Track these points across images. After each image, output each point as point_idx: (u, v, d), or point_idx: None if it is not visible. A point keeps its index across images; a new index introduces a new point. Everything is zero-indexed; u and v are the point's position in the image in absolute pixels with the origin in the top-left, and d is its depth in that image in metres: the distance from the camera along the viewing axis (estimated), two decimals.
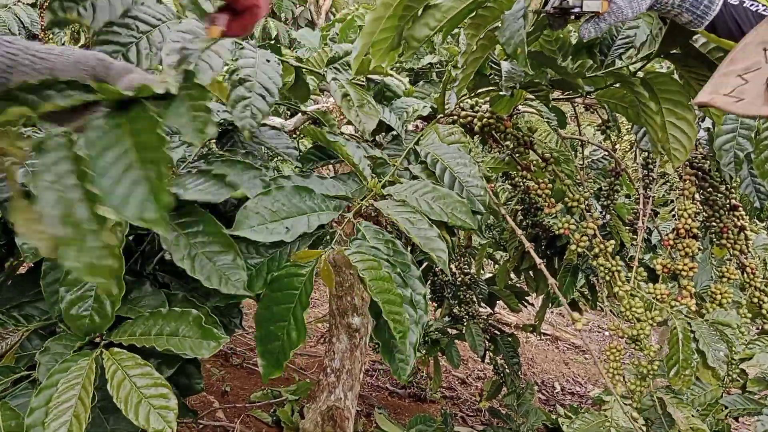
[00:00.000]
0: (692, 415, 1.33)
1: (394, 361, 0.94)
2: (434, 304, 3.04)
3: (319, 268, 0.89)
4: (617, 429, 1.35)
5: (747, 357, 1.61)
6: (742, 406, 1.53)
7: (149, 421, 0.86)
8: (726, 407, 1.52)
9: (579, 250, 1.32)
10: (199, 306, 1.02)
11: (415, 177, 1.18)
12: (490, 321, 2.95)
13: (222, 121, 1.35)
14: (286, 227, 0.93)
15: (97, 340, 1.01)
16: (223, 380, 3.23)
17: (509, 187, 2.25)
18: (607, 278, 1.28)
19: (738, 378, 1.57)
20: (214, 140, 1.39)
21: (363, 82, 1.45)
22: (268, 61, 1.12)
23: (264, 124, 1.41)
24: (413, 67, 2.20)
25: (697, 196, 1.56)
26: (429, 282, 2.95)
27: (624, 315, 1.26)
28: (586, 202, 1.44)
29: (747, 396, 1.56)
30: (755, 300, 1.46)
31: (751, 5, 0.85)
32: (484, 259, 3.15)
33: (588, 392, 4.77)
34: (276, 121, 1.71)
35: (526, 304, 3.04)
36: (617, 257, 1.38)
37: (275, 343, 0.92)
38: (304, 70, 1.44)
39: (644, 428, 1.20)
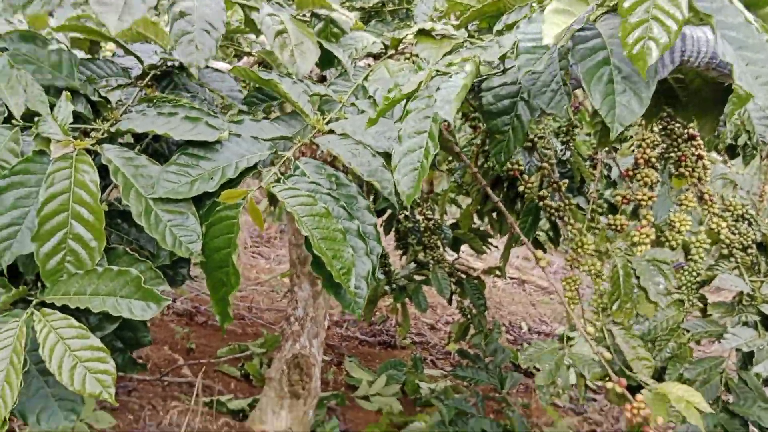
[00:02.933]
0: (638, 346, 1.35)
1: (341, 296, 0.90)
2: (399, 251, 3.02)
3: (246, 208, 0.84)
4: (571, 356, 1.36)
5: (708, 279, 1.64)
6: (703, 329, 1.56)
7: (85, 386, 0.81)
8: (687, 331, 1.54)
9: (526, 191, 1.29)
10: (140, 260, 0.96)
11: (363, 112, 1.11)
12: (455, 265, 2.95)
13: (161, 62, 1.26)
14: (211, 177, 0.87)
15: (29, 297, 0.94)
16: (188, 338, 3.19)
17: (469, 129, 2.20)
18: (554, 218, 1.27)
19: (698, 302, 1.60)
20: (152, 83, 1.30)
21: (306, 17, 1.36)
22: None
23: (207, 67, 1.32)
24: (364, 5, 2.10)
25: (655, 127, 1.54)
26: (393, 229, 2.92)
27: (576, 252, 1.25)
28: (545, 140, 1.40)
29: (708, 320, 1.58)
30: (713, 226, 1.46)
31: None
32: (448, 204, 3.14)
33: (554, 330, 4.90)
34: (221, 65, 1.62)
35: (490, 247, 3.04)
36: (569, 195, 1.36)
37: (222, 289, 0.88)
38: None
39: (604, 358, 1.20)
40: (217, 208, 0.86)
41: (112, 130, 0.94)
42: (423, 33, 1.22)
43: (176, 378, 2.67)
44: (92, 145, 0.91)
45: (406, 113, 0.89)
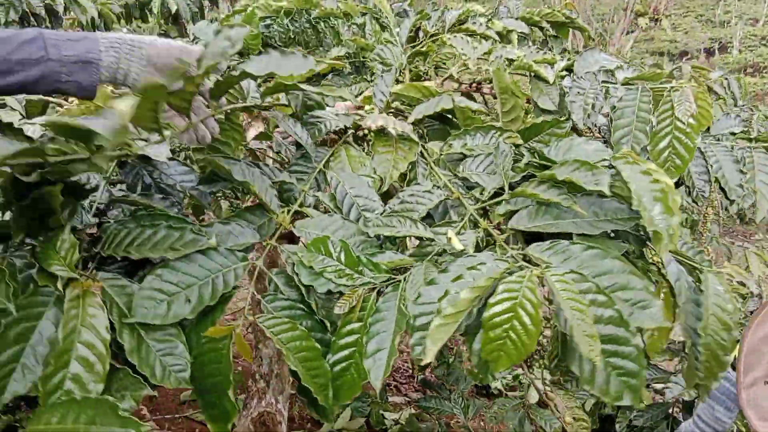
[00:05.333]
0: (575, 407, 1.43)
1: (318, 408, 0.94)
2: None
3: (234, 343, 0.87)
4: (532, 413, 1.43)
5: None
6: (649, 377, 1.66)
7: None
8: None
9: None
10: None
11: (327, 212, 1.15)
12: None
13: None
14: (188, 299, 0.90)
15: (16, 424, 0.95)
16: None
17: None
18: None
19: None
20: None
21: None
22: None
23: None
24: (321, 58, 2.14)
25: None
26: None
27: None
28: None
29: (656, 368, 1.69)
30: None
31: None
32: None
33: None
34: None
35: None
36: None
37: (216, 409, 0.90)
38: None
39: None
40: (203, 340, 0.89)
41: (104, 254, 0.95)
42: (380, 137, 1.28)
43: None
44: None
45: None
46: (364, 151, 1.35)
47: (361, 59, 2.13)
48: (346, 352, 0.95)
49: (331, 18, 2.14)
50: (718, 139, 1.79)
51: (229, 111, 1.20)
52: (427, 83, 1.57)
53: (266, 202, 1.11)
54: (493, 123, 1.29)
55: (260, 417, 1.95)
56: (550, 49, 2.42)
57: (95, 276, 0.91)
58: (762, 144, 1.76)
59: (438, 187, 1.19)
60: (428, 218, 1.13)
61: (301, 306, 0.98)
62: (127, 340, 0.87)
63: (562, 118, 1.41)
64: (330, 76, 2.16)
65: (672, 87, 1.55)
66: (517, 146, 1.25)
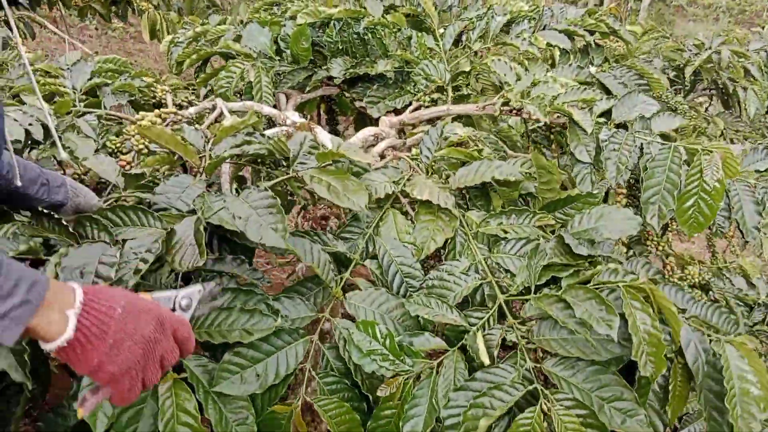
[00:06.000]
0: None
1: None
2: None
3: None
4: None
5: None
6: None
7: None
8: None
9: None
10: None
11: (373, 285, 1.31)
12: None
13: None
14: (257, 374, 1.08)
15: None
16: None
17: None
18: None
19: None
20: None
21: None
22: None
23: None
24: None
25: None
26: None
27: None
28: None
29: None
30: None
31: None
32: None
33: None
34: None
35: None
36: None
37: None
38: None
39: None
40: (267, 411, 1.08)
41: None
42: (424, 204, 1.41)
43: None
44: None
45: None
46: (406, 213, 1.48)
47: (407, 71, 2.19)
48: (382, 422, 1.14)
49: (378, 29, 2.18)
50: (743, 176, 1.83)
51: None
52: (455, 138, 1.64)
53: (322, 277, 1.27)
54: (527, 208, 1.40)
55: None
56: (591, 62, 2.44)
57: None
58: None
59: (474, 267, 1.32)
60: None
61: (347, 382, 1.16)
62: (212, 414, 1.06)
63: (594, 191, 1.51)
64: (375, 86, 2.23)
65: (704, 149, 1.62)
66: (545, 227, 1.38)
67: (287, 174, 1.38)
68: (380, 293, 1.27)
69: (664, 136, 1.73)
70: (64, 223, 1.14)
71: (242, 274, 1.25)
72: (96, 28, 5.19)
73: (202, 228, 1.13)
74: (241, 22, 2.88)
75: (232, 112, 1.93)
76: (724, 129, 3.12)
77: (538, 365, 1.10)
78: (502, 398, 1.03)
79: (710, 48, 4.03)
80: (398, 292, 1.32)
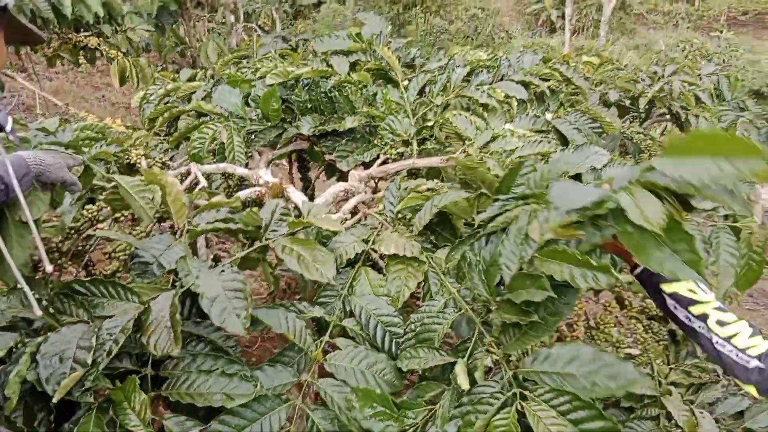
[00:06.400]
0: None
1: None
2: None
3: None
4: None
5: None
6: None
7: None
8: None
9: None
10: None
11: (353, 340, 1.39)
12: None
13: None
14: None
15: None
16: None
17: None
18: None
19: None
20: None
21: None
22: None
23: None
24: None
25: None
26: None
27: None
28: None
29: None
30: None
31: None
32: None
33: None
34: None
35: None
36: None
37: None
38: None
39: None
40: None
41: (171, 399, 1.20)
42: (392, 256, 1.50)
43: None
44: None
45: None
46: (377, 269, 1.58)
47: (374, 125, 2.30)
48: None
49: (345, 87, 2.29)
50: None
51: None
52: (423, 189, 1.76)
53: (300, 344, 1.35)
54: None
55: None
56: (547, 108, 2.58)
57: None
58: (728, 224, 1.92)
59: (449, 303, 1.41)
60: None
61: None
62: None
63: None
64: (344, 140, 2.34)
65: None
66: None
67: (260, 243, 1.47)
68: (359, 350, 1.36)
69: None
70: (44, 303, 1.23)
71: (217, 340, 1.34)
72: (62, 64, 5.26)
73: (177, 303, 1.22)
74: (212, 77, 2.98)
75: (205, 174, 2.01)
76: None
77: (516, 370, 1.18)
78: (485, 411, 1.10)
79: (663, 77, 4.26)
80: (383, 343, 1.40)
